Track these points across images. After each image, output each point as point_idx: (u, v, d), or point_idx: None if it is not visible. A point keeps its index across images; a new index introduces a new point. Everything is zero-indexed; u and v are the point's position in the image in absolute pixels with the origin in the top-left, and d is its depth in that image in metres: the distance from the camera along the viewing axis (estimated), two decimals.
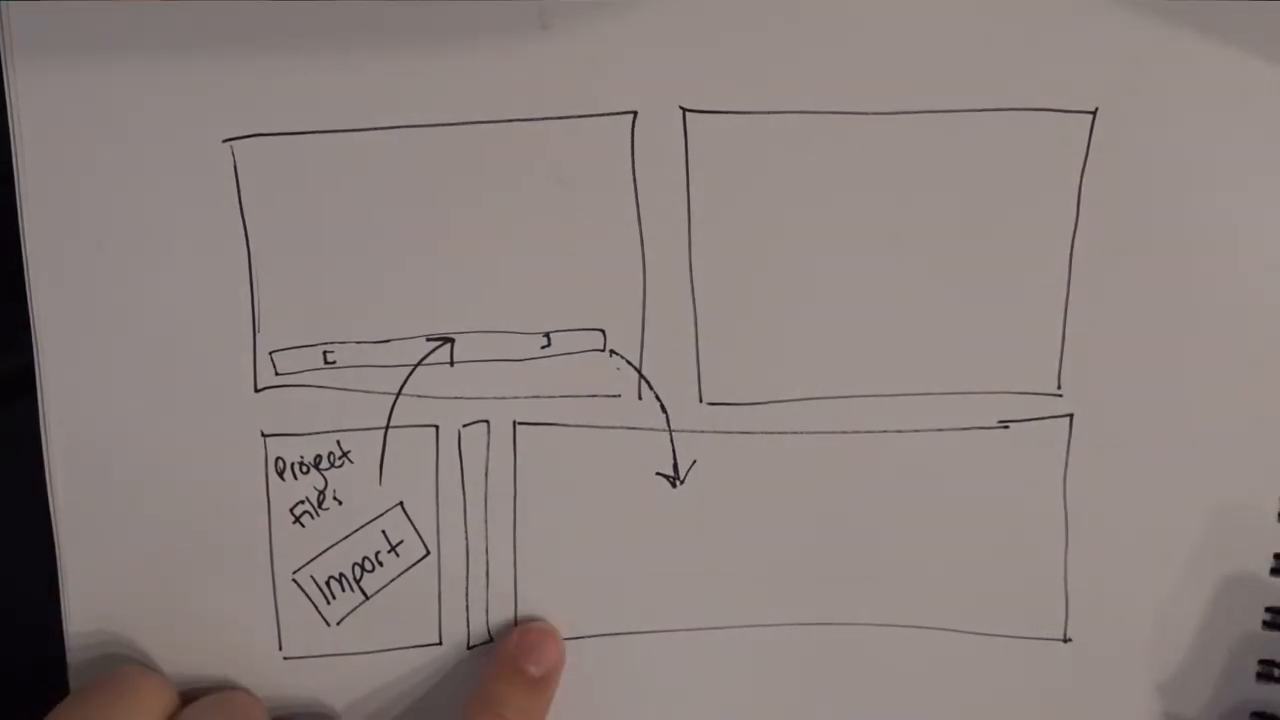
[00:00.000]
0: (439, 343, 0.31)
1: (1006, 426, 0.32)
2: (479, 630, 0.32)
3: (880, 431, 0.32)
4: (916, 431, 0.32)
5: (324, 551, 0.32)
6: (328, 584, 0.32)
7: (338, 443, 0.31)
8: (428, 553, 0.32)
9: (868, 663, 0.33)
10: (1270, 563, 0.32)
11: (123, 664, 0.31)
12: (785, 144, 0.30)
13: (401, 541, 0.32)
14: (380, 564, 0.32)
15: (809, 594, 0.33)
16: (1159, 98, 0.30)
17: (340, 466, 0.31)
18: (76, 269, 0.29)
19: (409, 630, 0.32)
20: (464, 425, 0.31)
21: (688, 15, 0.29)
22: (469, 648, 0.33)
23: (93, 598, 0.31)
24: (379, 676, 0.32)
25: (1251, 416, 0.31)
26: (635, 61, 0.29)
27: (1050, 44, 0.29)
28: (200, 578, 0.31)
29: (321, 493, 0.31)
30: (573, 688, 0.33)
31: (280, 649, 0.32)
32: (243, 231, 0.30)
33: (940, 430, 0.32)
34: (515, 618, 0.32)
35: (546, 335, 0.31)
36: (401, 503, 0.32)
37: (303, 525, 0.31)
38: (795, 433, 0.32)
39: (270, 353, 0.30)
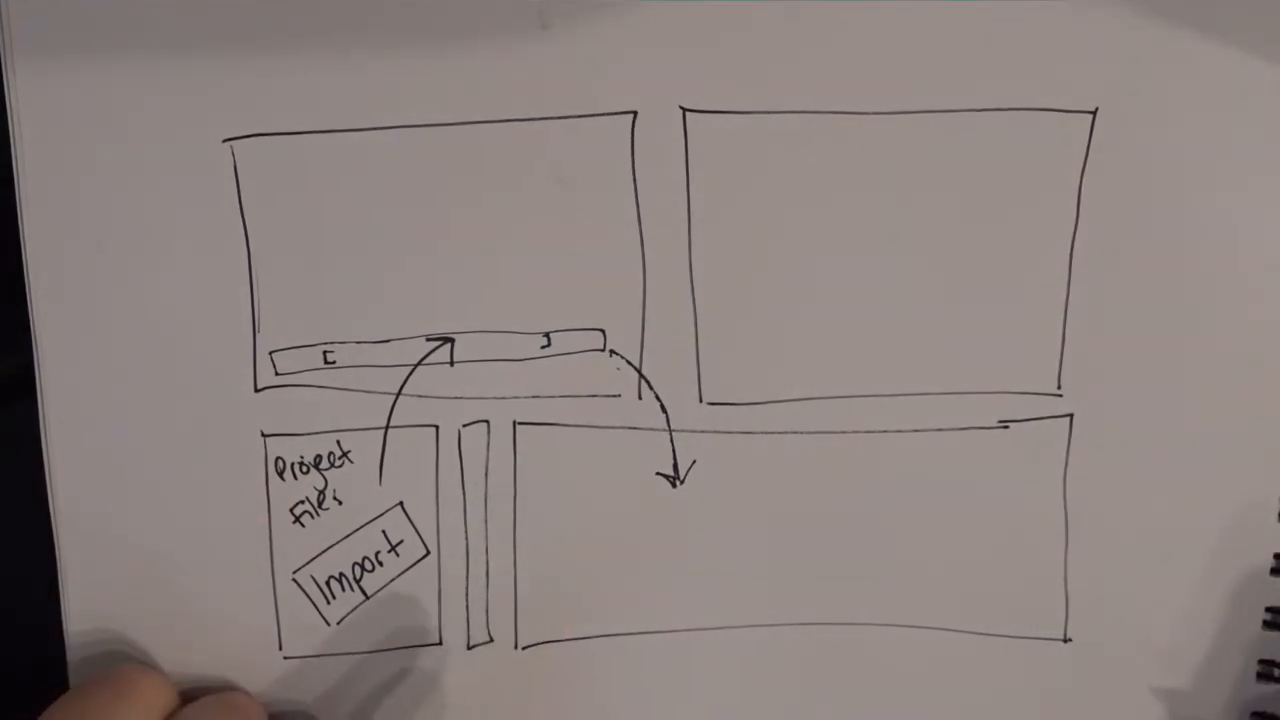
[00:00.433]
0: (439, 343, 0.31)
1: (1006, 426, 0.32)
2: (479, 630, 0.32)
3: (880, 431, 0.32)
4: (916, 431, 0.32)
5: (324, 551, 0.32)
6: (328, 584, 0.32)
7: (338, 443, 0.31)
8: (428, 553, 0.32)
9: (868, 663, 0.33)
10: (1270, 562, 0.32)
11: (122, 663, 0.31)
12: (785, 144, 0.30)
13: (401, 541, 0.32)
14: (380, 564, 0.32)
15: (809, 594, 0.33)
16: (1159, 98, 0.30)
17: (340, 466, 0.31)
18: (76, 269, 0.29)
19: (409, 630, 0.32)
20: (464, 425, 0.31)
21: (688, 15, 0.29)
22: (469, 648, 0.33)
23: (93, 598, 0.31)
24: (379, 676, 0.32)
25: (1251, 416, 0.31)
26: (635, 61, 0.29)
27: (1050, 44, 0.29)
28: (200, 578, 0.31)
29: (321, 493, 0.31)
30: (573, 688, 0.33)
31: (280, 649, 0.32)
32: (243, 231, 0.30)
33: (940, 430, 0.32)
34: (515, 618, 0.32)
35: (546, 335, 0.31)
36: (401, 503, 0.32)
37: (303, 525, 0.31)
38: (795, 433, 0.32)
39: (270, 353, 0.30)
